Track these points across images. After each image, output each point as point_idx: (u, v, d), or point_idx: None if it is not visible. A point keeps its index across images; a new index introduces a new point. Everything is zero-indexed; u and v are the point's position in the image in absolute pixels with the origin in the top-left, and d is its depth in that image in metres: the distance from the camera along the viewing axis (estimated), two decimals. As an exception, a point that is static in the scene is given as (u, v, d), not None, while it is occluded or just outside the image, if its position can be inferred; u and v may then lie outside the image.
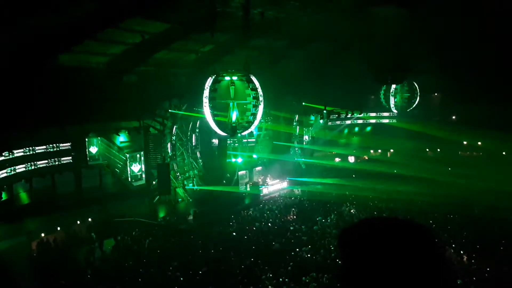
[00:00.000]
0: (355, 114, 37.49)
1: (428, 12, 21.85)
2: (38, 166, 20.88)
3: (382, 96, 35.61)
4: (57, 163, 21.66)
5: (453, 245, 16.83)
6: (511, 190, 22.97)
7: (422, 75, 30.68)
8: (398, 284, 1.21)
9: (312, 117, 36.25)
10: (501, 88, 28.57)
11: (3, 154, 18.99)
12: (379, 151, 40.17)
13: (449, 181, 28.07)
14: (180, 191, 27.23)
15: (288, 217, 23.77)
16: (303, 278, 14.10)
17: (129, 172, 25.02)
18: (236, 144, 32.05)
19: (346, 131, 40.17)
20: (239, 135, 24.04)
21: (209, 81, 20.78)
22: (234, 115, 21.65)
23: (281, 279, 14.37)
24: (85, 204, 22.49)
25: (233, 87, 21.55)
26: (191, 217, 25.00)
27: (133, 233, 21.10)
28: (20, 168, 20.04)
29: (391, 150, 39.81)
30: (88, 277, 16.02)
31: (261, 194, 29.71)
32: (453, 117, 38.45)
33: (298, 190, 31.28)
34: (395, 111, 35.79)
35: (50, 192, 22.14)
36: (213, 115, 20.94)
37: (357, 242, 1.31)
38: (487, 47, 25.44)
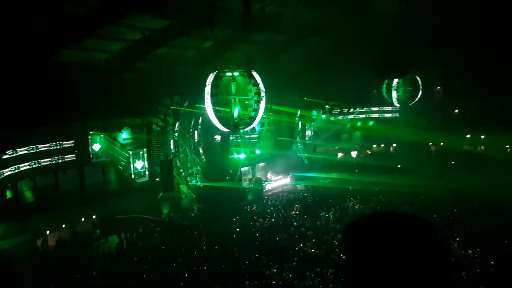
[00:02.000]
0: (357, 109, 37.37)
1: (430, 6, 21.70)
2: (42, 164, 20.94)
3: (384, 91, 35.48)
4: (60, 160, 21.72)
5: (457, 239, 16.82)
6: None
7: (424, 69, 30.50)
8: (403, 279, 1.20)
9: (315, 112, 36.12)
10: (505, 83, 28.37)
11: (7, 152, 19.08)
12: (382, 145, 40.09)
13: (452, 175, 27.99)
14: (183, 187, 27.28)
15: (292, 213, 23.81)
16: (307, 273, 14.14)
17: (132, 169, 25.07)
18: (239, 140, 32.02)
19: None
20: (241, 131, 24.01)
21: (211, 77, 20.71)
22: (236, 111, 21.59)
23: (285, 274, 14.41)
24: (89, 201, 22.56)
25: (234, 83, 21.45)
26: (194, 213, 25.09)
27: (137, 230, 21.17)
28: (24, 166, 20.09)
29: (394, 145, 39.72)
30: (93, 274, 16.13)
31: (264, 190, 29.74)
32: (456, 111, 38.28)
33: (301, 186, 31.31)
34: (397, 105, 35.63)
35: (54, 190, 22.22)
36: (215, 111, 20.89)
37: (362, 237, 1.30)
38: (490, 42, 25.25)
